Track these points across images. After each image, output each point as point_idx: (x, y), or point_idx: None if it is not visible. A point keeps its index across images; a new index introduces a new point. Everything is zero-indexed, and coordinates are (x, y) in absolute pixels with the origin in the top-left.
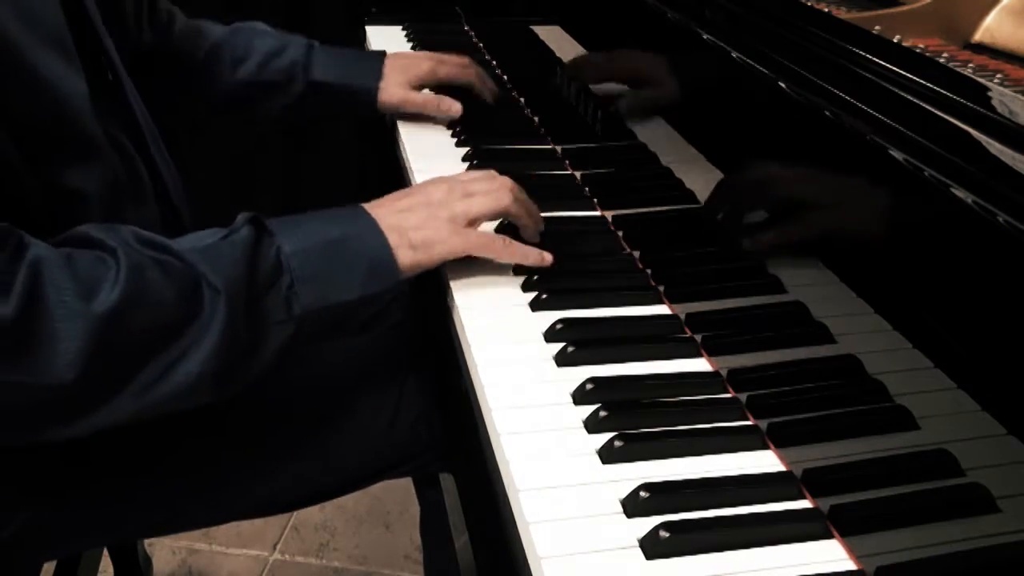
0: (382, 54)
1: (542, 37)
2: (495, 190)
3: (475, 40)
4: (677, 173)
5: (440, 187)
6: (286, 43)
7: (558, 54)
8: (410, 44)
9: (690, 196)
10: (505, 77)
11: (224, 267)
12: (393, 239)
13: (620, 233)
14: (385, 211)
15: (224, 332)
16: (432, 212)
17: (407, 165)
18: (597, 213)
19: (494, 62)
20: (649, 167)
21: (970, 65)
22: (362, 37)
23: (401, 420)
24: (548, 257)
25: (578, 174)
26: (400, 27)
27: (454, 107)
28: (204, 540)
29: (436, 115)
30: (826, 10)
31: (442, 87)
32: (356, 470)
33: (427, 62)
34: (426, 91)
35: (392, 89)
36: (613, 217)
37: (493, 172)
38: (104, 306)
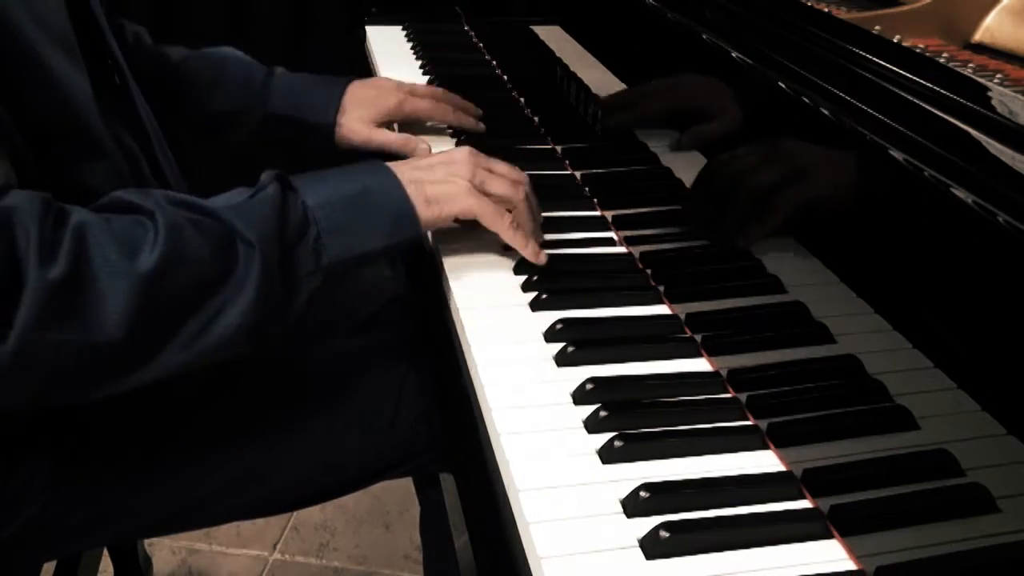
0: (345, 84)
1: (542, 37)
2: (514, 179)
3: (475, 40)
4: (677, 173)
5: (462, 153)
6: (245, 71)
7: (558, 54)
8: (410, 44)
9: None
10: (505, 77)
11: (256, 223)
12: (412, 191)
13: (622, 234)
14: (406, 167)
15: (260, 285)
16: (451, 171)
17: None
18: (597, 213)
19: (494, 62)
20: (649, 167)
21: (970, 65)
22: (362, 37)
23: (401, 420)
24: (543, 257)
25: (578, 174)
26: (400, 27)
27: (420, 148)
28: (204, 540)
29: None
30: (826, 10)
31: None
32: (356, 470)
33: (394, 96)
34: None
35: (352, 126)
36: (613, 217)
37: (516, 167)
38: (146, 265)
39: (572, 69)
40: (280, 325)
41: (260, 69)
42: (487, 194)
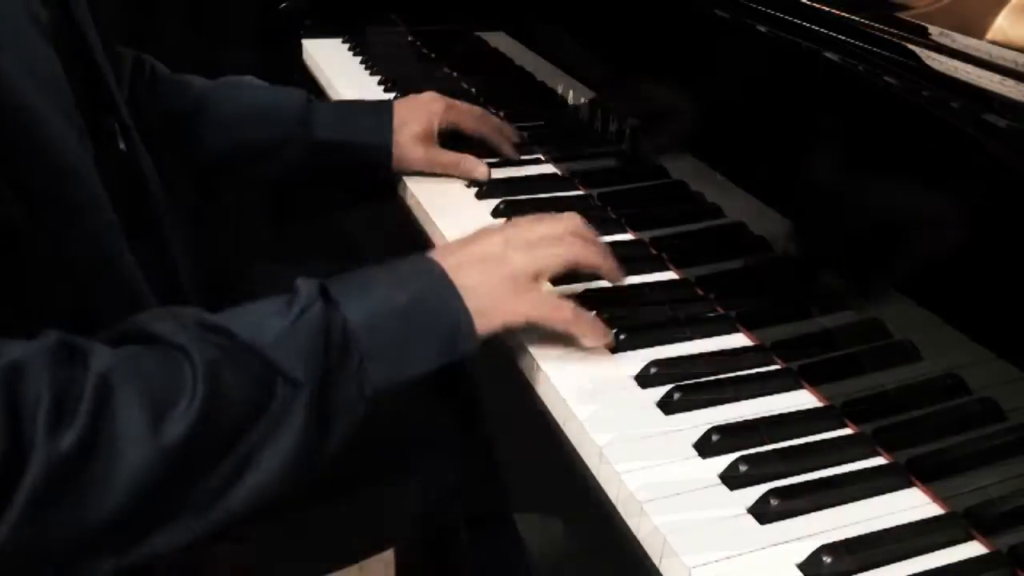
0: (389, 102)
1: (492, 44)
2: (560, 238)
3: (424, 51)
4: (693, 187)
5: (496, 239)
6: (281, 98)
7: (515, 61)
8: (358, 59)
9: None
10: (473, 90)
11: (303, 357)
12: (466, 298)
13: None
14: (450, 260)
15: (301, 432)
16: (488, 270)
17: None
18: (630, 236)
19: (455, 73)
20: (660, 180)
21: None
22: (298, 53)
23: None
24: (609, 337)
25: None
26: (340, 39)
27: (479, 169)
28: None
29: (459, 176)
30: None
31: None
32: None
33: (438, 102)
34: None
35: (411, 146)
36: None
37: (555, 214)
38: (171, 436)
39: (529, 71)
40: (312, 470)
41: (297, 94)
42: (540, 276)
